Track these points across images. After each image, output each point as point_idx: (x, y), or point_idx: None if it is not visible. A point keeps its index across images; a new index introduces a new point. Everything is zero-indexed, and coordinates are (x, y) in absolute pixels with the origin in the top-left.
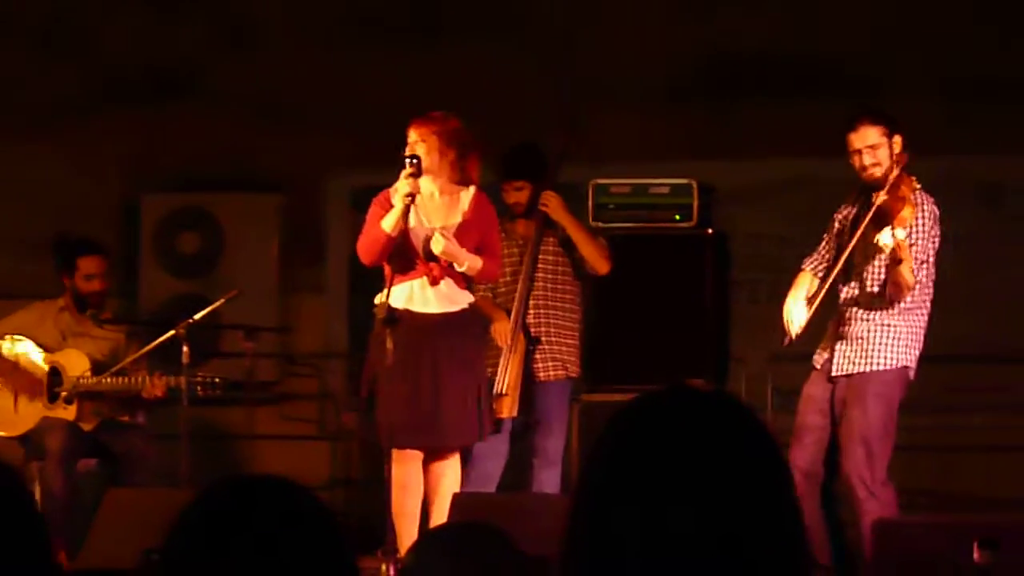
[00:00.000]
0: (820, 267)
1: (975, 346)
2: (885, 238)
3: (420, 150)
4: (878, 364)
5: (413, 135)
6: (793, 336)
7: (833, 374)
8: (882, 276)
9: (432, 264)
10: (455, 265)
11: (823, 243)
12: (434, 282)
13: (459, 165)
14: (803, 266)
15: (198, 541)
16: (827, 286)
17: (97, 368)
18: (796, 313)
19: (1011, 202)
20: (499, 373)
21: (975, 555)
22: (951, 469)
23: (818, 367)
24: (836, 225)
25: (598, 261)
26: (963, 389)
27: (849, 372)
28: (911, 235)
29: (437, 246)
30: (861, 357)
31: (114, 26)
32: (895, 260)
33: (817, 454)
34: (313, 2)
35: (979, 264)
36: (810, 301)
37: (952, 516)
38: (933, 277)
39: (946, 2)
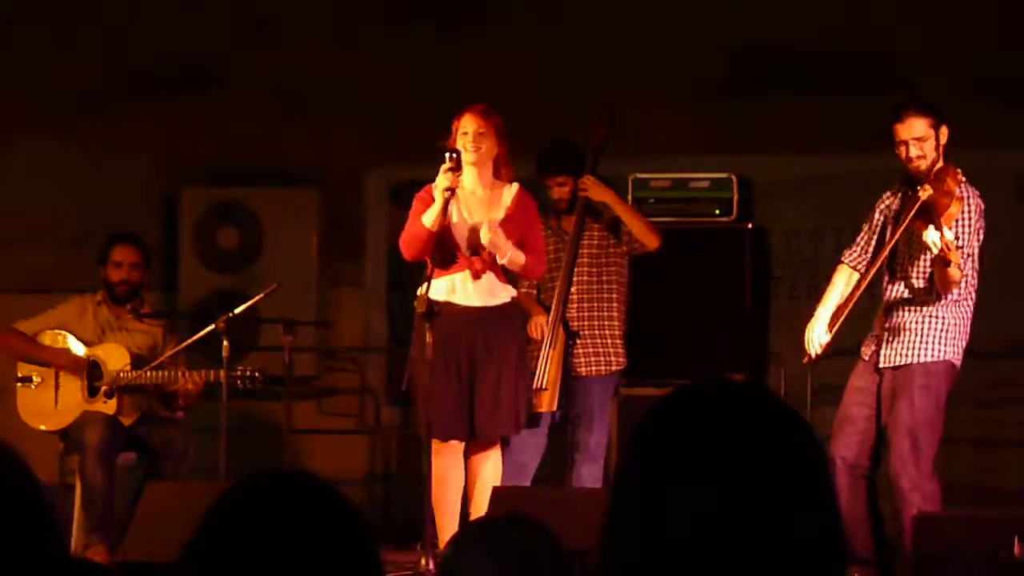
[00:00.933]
0: (860, 260)
1: (1015, 340)
2: (933, 237)
3: (482, 142)
4: (925, 356)
5: (473, 124)
6: (813, 356)
7: (880, 366)
8: (927, 269)
9: (475, 258)
10: (497, 257)
11: (862, 235)
12: (476, 276)
13: (504, 160)
14: (842, 259)
15: (223, 537)
16: (866, 283)
17: (136, 362)
18: (816, 331)
19: None
20: (539, 367)
21: (1016, 549)
22: (992, 463)
23: (865, 358)
24: (877, 216)
25: (647, 235)
26: (1003, 383)
27: (896, 364)
28: (957, 231)
29: (485, 236)
30: (908, 349)
31: (143, 19)
32: (942, 260)
33: (861, 446)
34: None
35: (1016, 257)
36: (839, 311)
37: (993, 511)
38: (977, 269)
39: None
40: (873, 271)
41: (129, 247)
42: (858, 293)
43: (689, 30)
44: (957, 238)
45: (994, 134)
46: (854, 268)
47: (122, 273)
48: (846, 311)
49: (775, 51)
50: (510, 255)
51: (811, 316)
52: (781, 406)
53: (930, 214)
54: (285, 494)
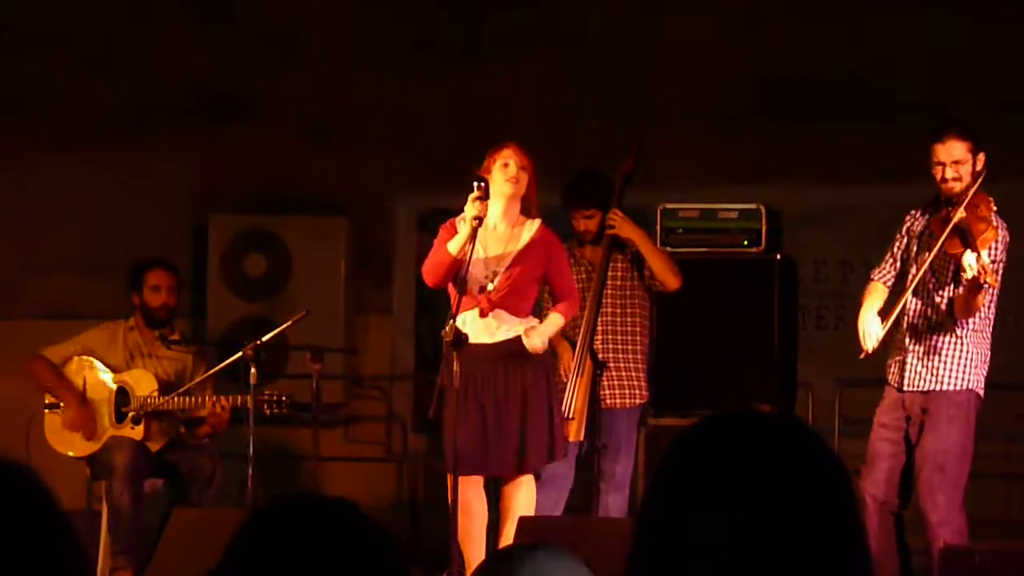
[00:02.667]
0: (889, 278)
1: None
2: (970, 260)
3: (522, 177)
4: (948, 384)
5: (515, 158)
6: (869, 350)
7: (905, 389)
8: (951, 294)
9: (482, 296)
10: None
11: (889, 254)
12: (482, 314)
13: (533, 200)
14: (872, 277)
15: (251, 562)
16: (903, 301)
17: (164, 388)
18: (871, 326)
19: None
20: (566, 397)
21: None
22: (1017, 497)
23: (892, 383)
24: (904, 235)
25: (668, 276)
26: None
27: (922, 388)
28: (992, 255)
29: (530, 344)
30: (931, 373)
31: (172, 46)
32: (974, 284)
33: (890, 482)
34: (370, 23)
35: None
36: (884, 316)
37: (1021, 544)
38: (995, 302)
39: (1004, 24)
40: (908, 292)
41: (164, 271)
42: (899, 307)
43: (718, 59)
44: (993, 262)
45: (1021, 162)
46: (885, 285)
47: (161, 297)
48: (895, 313)
49: (804, 81)
50: (552, 333)
51: (840, 344)
52: (809, 436)
53: (964, 236)
54: (312, 518)
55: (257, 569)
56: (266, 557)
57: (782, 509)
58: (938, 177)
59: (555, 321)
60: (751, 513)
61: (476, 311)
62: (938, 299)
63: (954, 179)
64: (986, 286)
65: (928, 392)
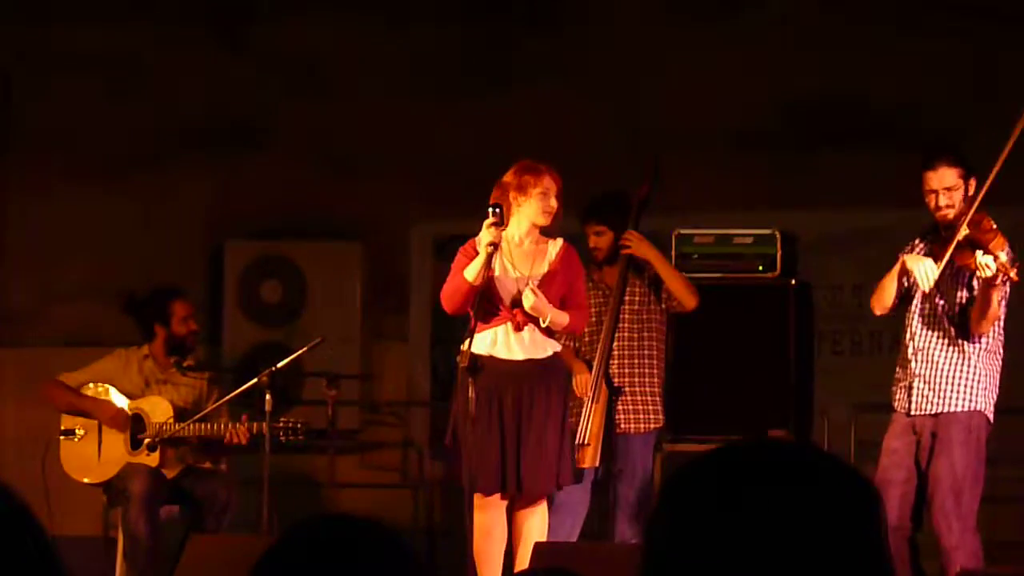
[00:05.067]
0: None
1: None
2: (986, 260)
3: (558, 204)
4: (957, 406)
5: (555, 186)
6: (926, 288)
7: (913, 413)
8: (958, 313)
9: (516, 311)
10: (540, 320)
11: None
12: (518, 328)
13: (559, 220)
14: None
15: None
16: (949, 253)
17: (180, 415)
18: (925, 264)
19: None
20: (581, 423)
21: None
22: None
23: (900, 409)
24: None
25: (685, 296)
26: None
27: (931, 412)
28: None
29: (527, 301)
30: (940, 398)
31: (190, 72)
32: (990, 283)
33: (903, 508)
34: (385, 50)
35: None
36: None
37: None
38: (1003, 326)
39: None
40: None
41: (186, 301)
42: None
43: (734, 85)
44: (1013, 261)
45: None
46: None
47: (190, 325)
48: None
49: (820, 106)
50: (551, 317)
51: (855, 370)
52: (837, 464)
53: (975, 246)
54: (341, 537)
55: None
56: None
57: (803, 541)
58: (931, 205)
59: (562, 314)
60: (767, 543)
61: (507, 326)
62: (946, 322)
63: (947, 206)
64: (1008, 281)
65: (938, 415)
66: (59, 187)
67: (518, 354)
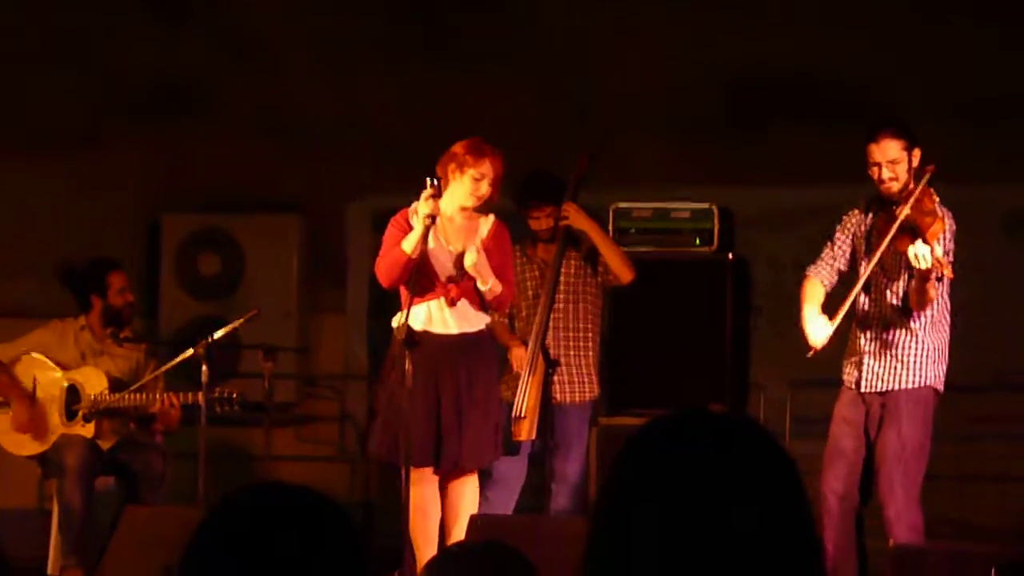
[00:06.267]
0: (825, 276)
1: (994, 375)
2: (922, 251)
3: (493, 187)
4: (908, 382)
5: (493, 171)
6: (818, 347)
7: (862, 390)
8: (904, 291)
9: (451, 285)
10: (479, 283)
11: (828, 252)
12: (451, 303)
13: (495, 196)
14: (807, 273)
15: (217, 550)
16: (852, 298)
17: (116, 386)
18: (816, 325)
19: None
20: (518, 395)
21: None
22: (969, 498)
23: (849, 386)
24: (846, 234)
25: (621, 269)
26: (982, 418)
27: (880, 389)
28: (944, 247)
29: (469, 259)
30: (890, 374)
31: (122, 44)
32: (924, 277)
33: (851, 478)
34: (327, 22)
35: (1001, 293)
36: (832, 315)
37: (971, 545)
38: (948, 291)
39: (971, 28)
40: (855, 291)
41: (122, 272)
42: (847, 305)
43: (673, 60)
44: (946, 253)
45: (983, 168)
46: (823, 284)
47: (126, 297)
48: (843, 311)
49: (758, 82)
50: (491, 283)
51: (792, 345)
52: (763, 436)
53: (912, 233)
54: (275, 505)
55: (222, 559)
56: (231, 546)
57: (735, 508)
58: (875, 178)
59: (496, 281)
60: (704, 513)
61: (440, 301)
62: (890, 297)
63: (891, 179)
64: (943, 278)
65: (886, 392)
66: None
67: (452, 328)
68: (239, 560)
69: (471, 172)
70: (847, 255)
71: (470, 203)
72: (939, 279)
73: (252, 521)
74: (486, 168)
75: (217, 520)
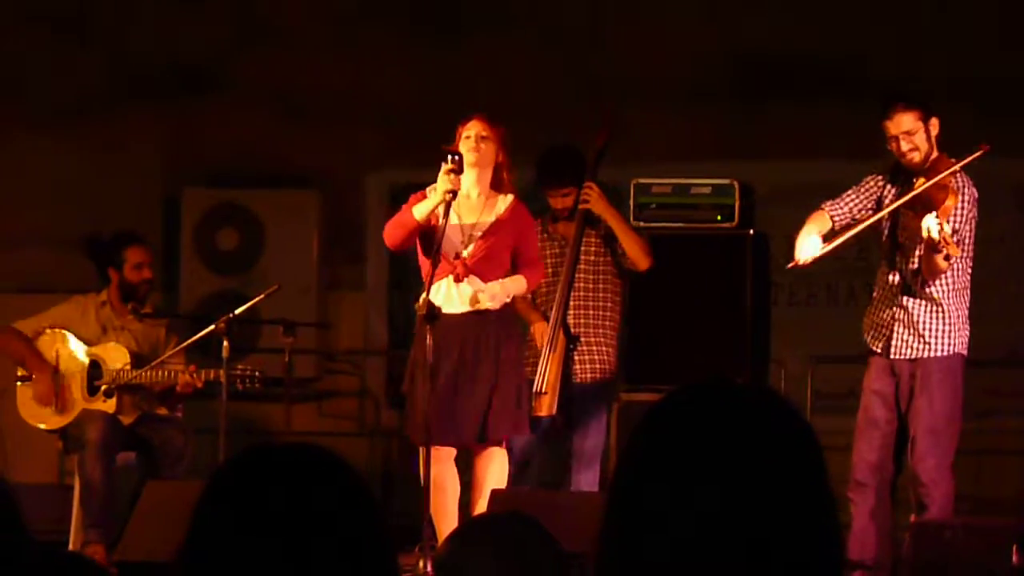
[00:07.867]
0: (838, 215)
1: (1009, 350)
2: (931, 223)
3: (484, 144)
4: (936, 351)
5: (477, 128)
6: (800, 263)
7: (892, 356)
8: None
9: (456, 262)
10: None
11: (849, 195)
12: (457, 280)
13: (504, 170)
14: (822, 206)
15: (227, 509)
16: (851, 233)
17: (137, 361)
18: (808, 242)
19: None
20: (539, 371)
21: (1014, 558)
22: (988, 473)
23: (878, 352)
24: (871, 189)
25: (639, 256)
26: (999, 393)
27: (911, 357)
28: (954, 224)
29: (483, 302)
30: (918, 341)
31: (144, 20)
32: (933, 248)
33: (886, 449)
34: None
35: (1014, 267)
36: (826, 239)
37: (990, 519)
38: (972, 257)
39: (974, 1)
40: (851, 232)
41: (143, 247)
42: (841, 239)
43: (693, 35)
44: (955, 232)
45: (996, 143)
46: (832, 219)
47: (143, 273)
48: (836, 243)
49: (778, 57)
50: (508, 296)
51: (812, 321)
52: (782, 405)
53: (926, 206)
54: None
55: (233, 516)
56: (241, 502)
57: (754, 480)
58: (896, 152)
59: (517, 280)
60: (722, 485)
61: (450, 279)
62: (913, 268)
63: (911, 150)
64: (949, 257)
65: (916, 360)
66: (13, 135)
67: (458, 307)
68: (248, 519)
69: (463, 135)
70: (866, 207)
71: (470, 158)
72: (946, 258)
73: (267, 477)
74: (472, 127)
75: (232, 473)
